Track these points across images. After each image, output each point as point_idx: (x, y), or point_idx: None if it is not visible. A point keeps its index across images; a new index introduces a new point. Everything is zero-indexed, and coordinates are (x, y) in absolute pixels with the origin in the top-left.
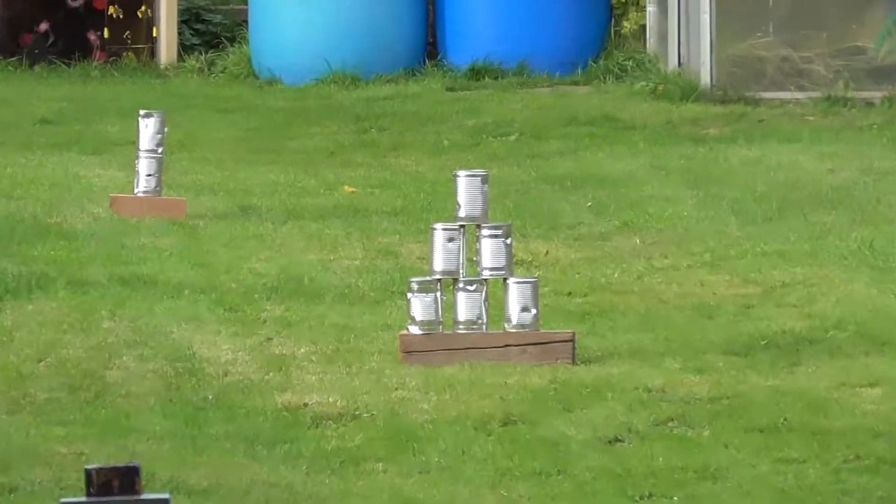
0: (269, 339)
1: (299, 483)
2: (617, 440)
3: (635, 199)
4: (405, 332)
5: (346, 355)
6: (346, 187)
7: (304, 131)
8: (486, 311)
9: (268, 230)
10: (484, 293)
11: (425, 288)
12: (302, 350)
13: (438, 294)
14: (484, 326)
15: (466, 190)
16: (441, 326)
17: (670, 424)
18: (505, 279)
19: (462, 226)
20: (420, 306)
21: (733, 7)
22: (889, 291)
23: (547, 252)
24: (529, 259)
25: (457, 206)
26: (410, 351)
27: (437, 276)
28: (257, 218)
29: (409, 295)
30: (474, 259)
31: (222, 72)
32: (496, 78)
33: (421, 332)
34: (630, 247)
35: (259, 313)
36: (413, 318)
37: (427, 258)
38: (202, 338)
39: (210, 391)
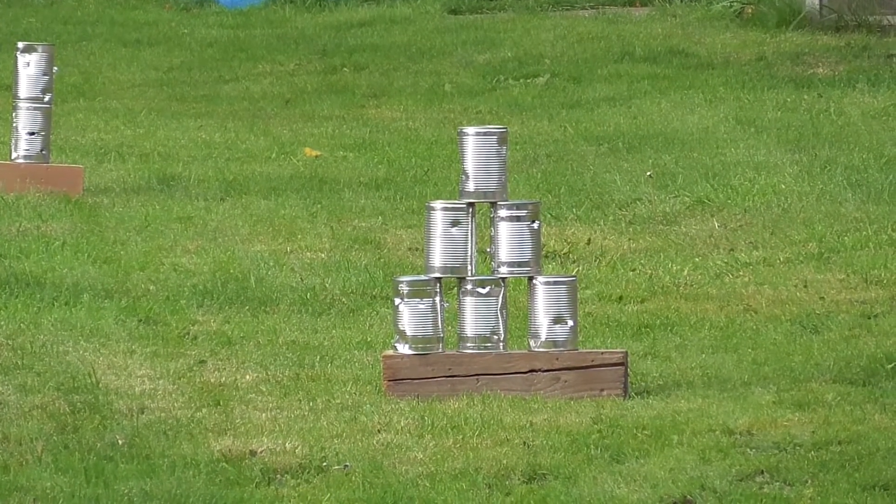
0: (202, 362)
1: None
2: (686, 502)
3: (713, 166)
4: (391, 352)
5: (309, 385)
6: (307, 150)
7: (248, 71)
8: (504, 323)
9: (198, 210)
10: (501, 298)
11: (419, 291)
12: (247, 377)
13: (437, 299)
14: (501, 344)
15: (476, 153)
16: (441, 345)
17: (759, 480)
18: (531, 278)
19: (470, 204)
20: (411, 317)
21: None
22: None
23: (589, 241)
24: (565, 250)
25: (463, 176)
26: (398, 379)
27: (436, 275)
28: (183, 193)
29: (397, 301)
30: (487, 251)
31: None
32: None
33: (413, 353)
34: (706, 233)
35: (187, 326)
36: (402, 334)
37: (421, 249)
38: (108, 360)
39: (120, 434)
